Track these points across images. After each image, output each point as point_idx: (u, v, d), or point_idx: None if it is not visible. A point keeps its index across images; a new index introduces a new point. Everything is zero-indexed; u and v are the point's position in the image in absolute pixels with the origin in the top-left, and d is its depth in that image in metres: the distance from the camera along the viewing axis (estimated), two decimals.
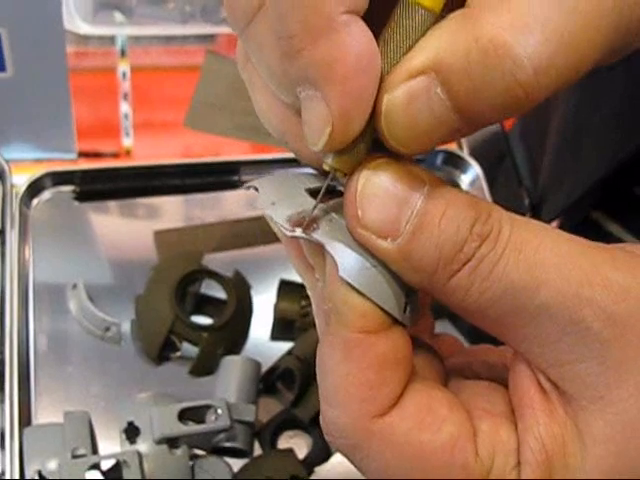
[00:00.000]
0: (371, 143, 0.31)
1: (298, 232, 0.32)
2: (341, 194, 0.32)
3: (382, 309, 0.31)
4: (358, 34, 0.28)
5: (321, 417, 0.33)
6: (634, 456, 0.30)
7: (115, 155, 0.95)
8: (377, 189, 0.31)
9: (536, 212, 0.83)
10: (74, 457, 0.60)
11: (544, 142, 0.84)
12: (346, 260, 0.31)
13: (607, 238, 0.69)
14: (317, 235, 0.32)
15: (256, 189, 0.34)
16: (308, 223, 0.32)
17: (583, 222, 0.73)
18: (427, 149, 0.30)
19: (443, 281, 0.30)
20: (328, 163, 0.31)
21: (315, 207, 0.32)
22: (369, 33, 0.29)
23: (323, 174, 0.33)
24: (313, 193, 0.33)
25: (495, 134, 0.93)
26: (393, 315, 0.31)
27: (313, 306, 0.36)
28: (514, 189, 0.87)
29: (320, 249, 0.32)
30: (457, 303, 0.31)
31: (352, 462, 0.33)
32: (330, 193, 0.33)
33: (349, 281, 0.31)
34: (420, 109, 0.29)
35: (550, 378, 0.31)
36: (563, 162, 0.80)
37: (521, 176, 0.88)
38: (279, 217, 0.32)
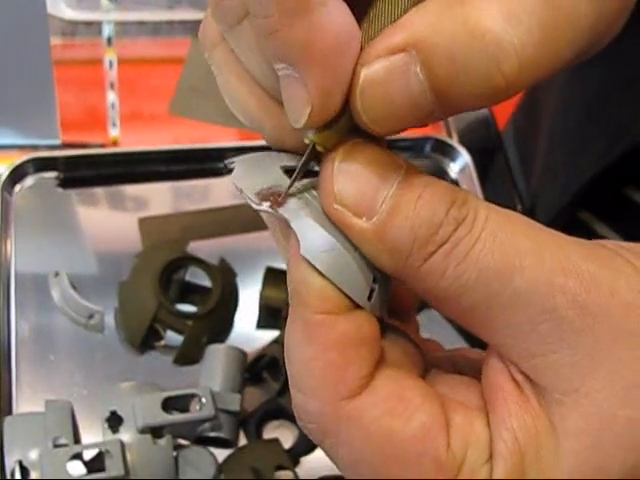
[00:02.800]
0: (352, 118, 0.30)
1: (265, 206, 0.31)
2: (315, 174, 0.32)
3: (343, 293, 0.30)
4: (335, 13, 0.28)
5: (292, 403, 0.32)
6: (608, 449, 0.30)
7: (101, 146, 0.94)
8: (355, 167, 0.30)
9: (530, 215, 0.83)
10: (55, 447, 0.59)
11: (535, 144, 0.84)
12: (310, 238, 0.30)
13: (595, 239, 0.68)
14: (283, 211, 0.31)
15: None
16: (275, 198, 0.31)
17: (571, 223, 0.73)
18: (399, 129, 0.30)
19: (417, 264, 0.30)
20: (309, 137, 0.30)
21: (291, 184, 0.31)
22: (347, 11, 0.28)
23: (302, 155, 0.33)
24: (288, 171, 0.33)
25: (486, 128, 0.93)
26: (355, 300, 0.31)
27: None
28: (507, 193, 0.87)
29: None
30: (430, 289, 0.30)
31: (323, 448, 0.32)
32: (306, 174, 0.32)
33: (310, 260, 0.30)
34: (396, 87, 0.28)
35: (523, 370, 0.31)
36: (554, 163, 0.80)
37: (515, 180, 0.88)
38: (248, 190, 0.32)
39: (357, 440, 0.30)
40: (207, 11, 0.33)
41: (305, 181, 0.32)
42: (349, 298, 0.30)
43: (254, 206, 0.31)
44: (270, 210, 0.31)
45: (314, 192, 0.32)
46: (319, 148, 0.31)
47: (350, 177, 0.30)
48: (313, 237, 0.30)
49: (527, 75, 0.28)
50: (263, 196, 0.31)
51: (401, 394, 0.31)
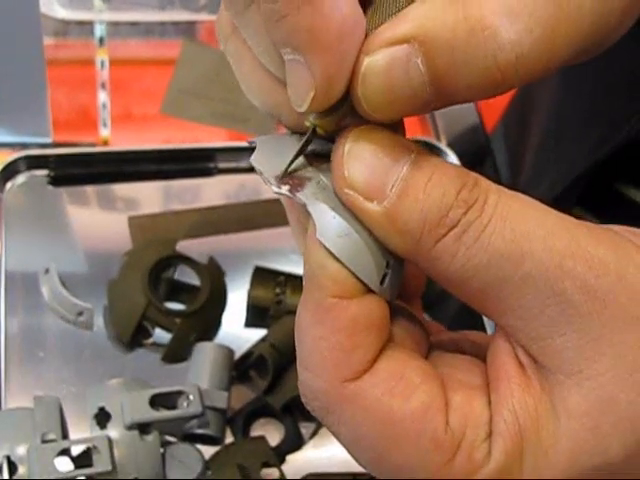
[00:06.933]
0: (352, 104, 0.31)
1: (284, 190, 0.32)
2: None
3: (357, 277, 0.31)
4: (341, 0, 0.28)
5: (298, 380, 0.33)
6: (608, 431, 0.30)
7: (92, 146, 0.94)
8: (365, 151, 0.31)
9: None
10: (44, 442, 0.60)
11: (526, 141, 0.85)
12: (326, 222, 0.31)
13: None
14: (301, 195, 0.32)
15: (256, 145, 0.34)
16: (295, 183, 0.32)
17: None
18: (397, 117, 0.31)
19: (428, 246, 0.30)
20: (310, 120, 0.31)
21: (289, 166, 0.32)
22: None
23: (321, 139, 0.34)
24: (309, 156, 0.33)
25: (475, 132, 0.93)
26: (368, 285, 0.31)
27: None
28: None
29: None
30: (441, 271, 0.31)
31: (326, 425, 0.33)
32: (325, 157, 0.33)
33: (325, 244, 0.31)
34: (397, 77, 0.29)
35: (529, 352, 0.31)
36: (545, 159, 0.80)
37: (501, 177, 0.88)
38: (269, 173, 0.32)
39: (358, 418, 0.31)
40: (222, 4, 0.34)
41: (324, 165, 0.33)
42: (362, 282, 0.31)
43: (274, 189, 0.32)
44: (289, 194, 0.32)
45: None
46: (320, 131, 0.31)
47: (359, 161, 0.31)
48: (329, 221, 0.31)
49: (524, 71, 0.29)
50: (282, 180, 0.32)
51: (402, 374, 0.31)
